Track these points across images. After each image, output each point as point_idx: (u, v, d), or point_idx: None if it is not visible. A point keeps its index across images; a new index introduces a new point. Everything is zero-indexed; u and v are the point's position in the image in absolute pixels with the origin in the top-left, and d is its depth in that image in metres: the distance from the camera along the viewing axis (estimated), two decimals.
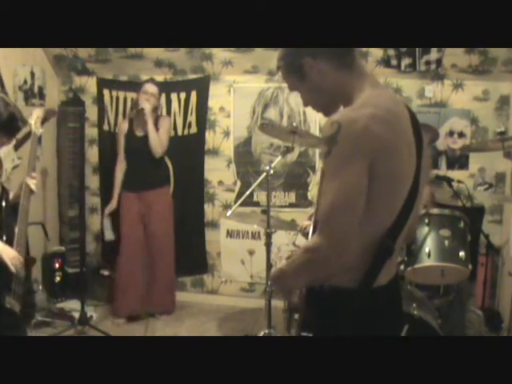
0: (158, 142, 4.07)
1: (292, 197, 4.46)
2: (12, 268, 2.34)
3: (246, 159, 4.50)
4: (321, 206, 1.43)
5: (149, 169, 4.16)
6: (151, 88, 4.11)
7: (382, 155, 1.40)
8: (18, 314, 2.40)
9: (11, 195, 2.57)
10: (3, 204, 2.46)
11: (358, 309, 1.48)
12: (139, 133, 4.15)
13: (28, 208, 2.57)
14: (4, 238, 2.41)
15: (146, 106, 4.03)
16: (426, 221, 2.95)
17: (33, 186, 2.62)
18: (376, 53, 4.03)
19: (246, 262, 4.57)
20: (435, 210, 3.05)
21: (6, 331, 2.32)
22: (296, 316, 1.68)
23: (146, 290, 4.21)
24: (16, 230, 2.49)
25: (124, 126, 4.23)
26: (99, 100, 4.65)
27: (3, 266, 2.33)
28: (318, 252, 1.40)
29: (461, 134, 4.11)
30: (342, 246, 1.38)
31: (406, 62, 4.02)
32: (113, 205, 4.20)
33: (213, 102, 4.50)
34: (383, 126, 1.41)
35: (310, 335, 1.56)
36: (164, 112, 4.51)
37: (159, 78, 4.53)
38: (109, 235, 4.21)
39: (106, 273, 4.46)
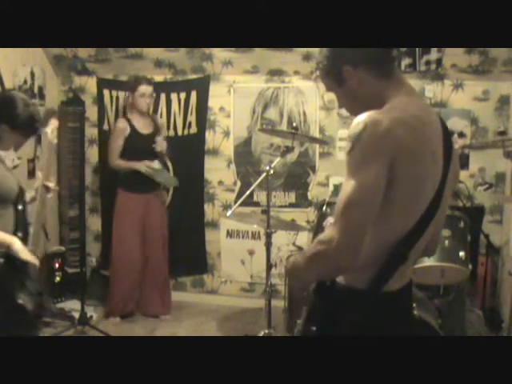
0: None
1: (292, 197, 4.46)
2: (36, 262, 2.32)
3: (246, 159, 4.50)
4: (338, 200, 1.45)
5: None
6: (147, 89, 4.04)
7: (403, 158, 1.42)
8: (30, 313, 2.38)
9: (27, 197, 2.57)
10: (20, 205, 2.45)
11: (364, 311, 1.49)
12: (144, 131, 4.10)
13: (43, 211, 2.57)
14: (19, 234, 2.40)
15: (145, 107, 4.06)
16: None
17: (51, 185, 2.67)
18: None
19: (246, 262, 4.56)
20: None
21: (18, 329, 2.31)
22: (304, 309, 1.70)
23: (140, 291, 4.22)
24: (31, 230, 2.49)
25: (123, 125, 4.10)
26: (99, 100, 4.65)
27: (18, 265, 2.32)
28: (330, 244, 1.41)
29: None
30: (354, 240, 1.39)
31: (406, 62, 4.01)
32: None
33: (213, 102, 4.50)
34: (407, 130, 1.43)
35: (314, 328, 1.57)
36: (164, 112, 4.51)
37: (159, 78, 4.52)
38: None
39: (106, 273, 4.46)
